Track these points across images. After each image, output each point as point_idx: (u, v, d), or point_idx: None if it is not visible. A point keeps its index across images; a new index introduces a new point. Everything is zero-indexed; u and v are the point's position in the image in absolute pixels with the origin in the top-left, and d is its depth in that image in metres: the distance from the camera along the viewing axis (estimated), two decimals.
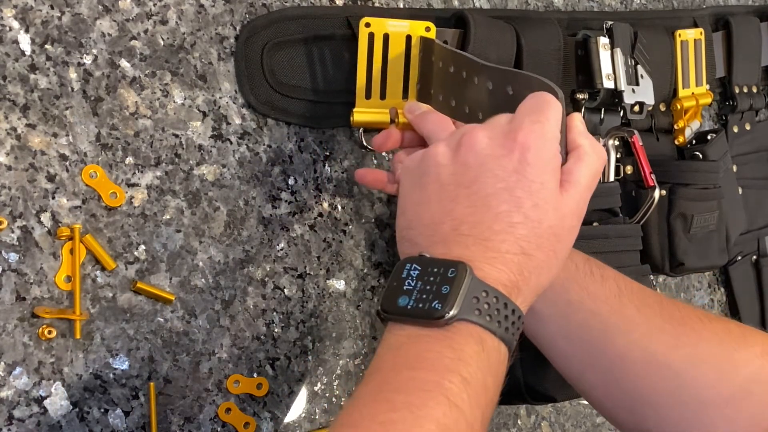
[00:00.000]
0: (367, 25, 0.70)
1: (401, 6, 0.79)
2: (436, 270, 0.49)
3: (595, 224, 0.82)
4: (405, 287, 0.49)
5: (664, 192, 0.89)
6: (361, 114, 0.72)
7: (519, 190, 0.51)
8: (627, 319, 0.62)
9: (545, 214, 0.51)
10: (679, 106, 0.94)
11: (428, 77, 0.70)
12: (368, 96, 0.71)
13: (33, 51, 0.61)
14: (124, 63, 0.65)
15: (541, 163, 0.51)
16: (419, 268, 0.49)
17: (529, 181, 0.51)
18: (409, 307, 0.48)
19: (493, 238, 0.50)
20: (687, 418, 0.59)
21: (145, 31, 0.66)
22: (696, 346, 0.61)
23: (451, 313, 0.47)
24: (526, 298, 0.51)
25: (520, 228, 0.50)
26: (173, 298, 0.66)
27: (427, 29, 0.70)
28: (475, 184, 0.51)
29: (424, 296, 0.48)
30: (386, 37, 0.70)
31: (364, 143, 0.75)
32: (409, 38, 0.70)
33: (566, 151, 0.56)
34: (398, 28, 0.70)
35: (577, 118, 0.57)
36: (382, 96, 0.71)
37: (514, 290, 0.50)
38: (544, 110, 0.53)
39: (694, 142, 0.96)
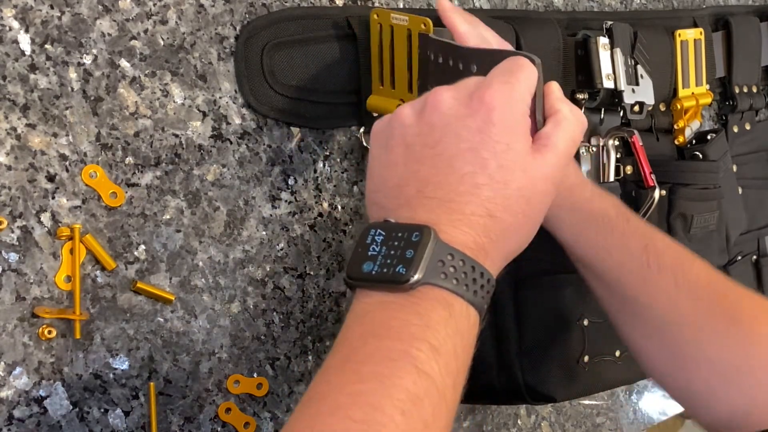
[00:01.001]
0: (377, 15, 0.72)
1: (401, 6, 0.79)
2: (400, 235, 0.47)
3: None
4: (370, 253, 0.48)
5: (664, 192, 0.89)
6: (376, 99, 0.73)
7: (484, 150, 0.49)
8: (680, 314, 0.64)
9: (512, 176, 0.49)
10: (679, 106, 0.94)
11: (426, 72, 0.70)
12: (382, 83, 0.73)
13: (33, 51, 0.61)
14: (124, 63, 0.65)
15: (506, 123, 0.50)
16: (383, 234, 0.48)
17: (494, 141, 0.49)
18: (373, 272, 0.47)
19: (458, 199, 0.49)
20: (739, 413, 0.61)
21: (145, 31, 0.66)
22: (748, 345, 0.62)
23: (416, 277, 0.45)
24: (495, 261, 0.49)
25: (485, 189, 0.49)
26: (173, 298, 0.66)
27: (424, 25, 0.71)
28: (440, 144, 0.50)
29: (389, 261, 0.47)
30: (392, 30, 0.71)
31: (364, 143, 0.75)
32: (410, 33, 0.71)
33: (544, 116, 0.55)
34: (400, 21, 0.71)
35: (555, 85, 0.56)
36: (392, 85, 0.72)
37: (481, 253, 0.48)
38: (515, 72, 0.52)
39: (694, 142, 0.96)
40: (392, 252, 0.47)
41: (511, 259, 0.52)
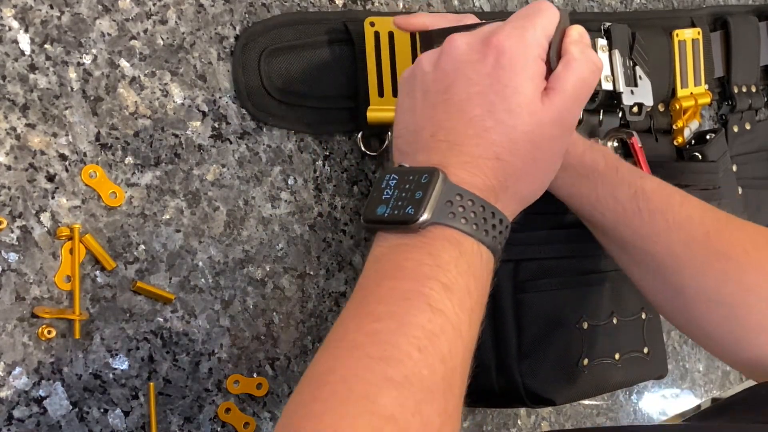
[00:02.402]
0: (372, 24, 0.71)
1: (401, 8, 0.79)
2: (411, 178, 0.49)
3: None
4: (384, 197, 0.49)
5: None
6: (376, 112, 0.72)
7: (492, 94, 0.50)
8: (676, 257, 0.66)
9: (519, 119, 0.50)
10: (677, 107, 0.94)
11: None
12: (381, 94, 0.71)
13: (32, 51, 0.61)
14: (123, 63, 0.65)
15: (515, 67, 0.50)
16: (396, 177, 0.50)
17: (503, 85, 0.50)
18: (386, 215, 0.48)
19: (467, 142, 0.50)
20: (737, 344, 0.64)
21: (145, 31, 0.66)
22: (741, 279, 0.65)
23: (424, 216, 0.46)
24: (507, 204, 0.50)
25: (493, 133, 0.50)
26: (173, 298, 0.66)
27: None
28: (451, 89, 0.51)
29: (400, 203, 0.48)
30: (391, 36, 0.71)
31: (363, 148, 0.75)
32: (414, 36, 0.71)
33: (558, 58, 0.54)
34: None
35: (576, 29, 0.56)
36: (395, 93, 0.72)
37: (491, 194, 0.49)
38: (532, 16, 0.52)
39: (693, 142, 0.96)
40: (404, 195, 0.48)
41: (527, 204, 0.53)
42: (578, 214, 0.73)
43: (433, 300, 0.45)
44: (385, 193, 0.49)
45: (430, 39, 0.65)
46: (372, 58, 0.71)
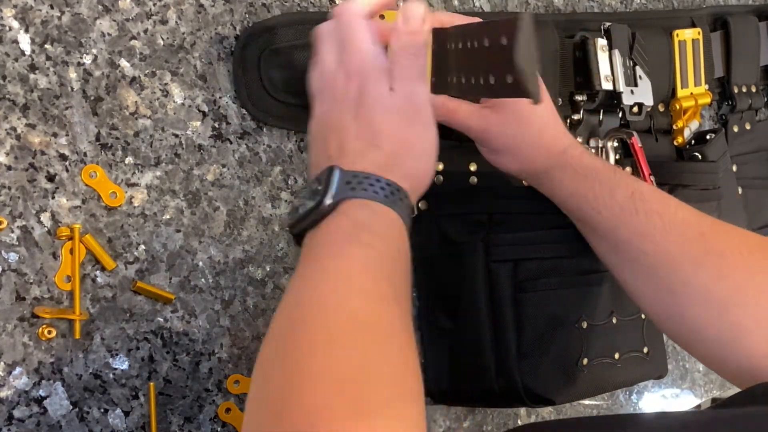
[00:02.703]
0: (381, 17, 0.71)
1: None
2: (315, 181, 0.56)
3: None
4: (297, 204, 0.57)
5: None
6: None
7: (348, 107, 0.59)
8: (671, 256, 0.68)
9: (374, 115, 0.58)
10: (677, 107, 0.94)
11: (444, 65, 0.69)
12: None
13: (33, 51, 0.61)
14: (123, 63, 0.65)
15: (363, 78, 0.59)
16: (305, 188, 0.57)
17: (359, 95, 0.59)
18: (300, 212, 0.55)
19: (350, 145, 0.58)
20: (726, 346, 0.65)
21: (145, 31, 0.66)
22: (735, 278, 0.66)
23: (330, 195, 0.54)
24: (399, 177, 0.57)
25: (353, 132, 0.58)
26: (173, 298, 0.66)
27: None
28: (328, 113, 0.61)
29: (309, 200, 0.55)
30: None
31: None
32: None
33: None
34: None
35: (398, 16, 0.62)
36: None
37: (381, 171, 0.56)
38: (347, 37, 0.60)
39: (693, 142, 0.96)
40: (311, 194, 0.56)
41: (423, 176, 0.60)
42: (574, 216, 0.74)
43: (360, 244, 0.52)
44: (298, 202, 0.57)
45: (445, 37, 0.65)
46: None
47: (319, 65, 0.61)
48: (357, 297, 0.49)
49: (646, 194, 0.70)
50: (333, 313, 0.48)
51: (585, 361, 0.79)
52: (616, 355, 0.81)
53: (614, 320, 0.82)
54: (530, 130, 0.70)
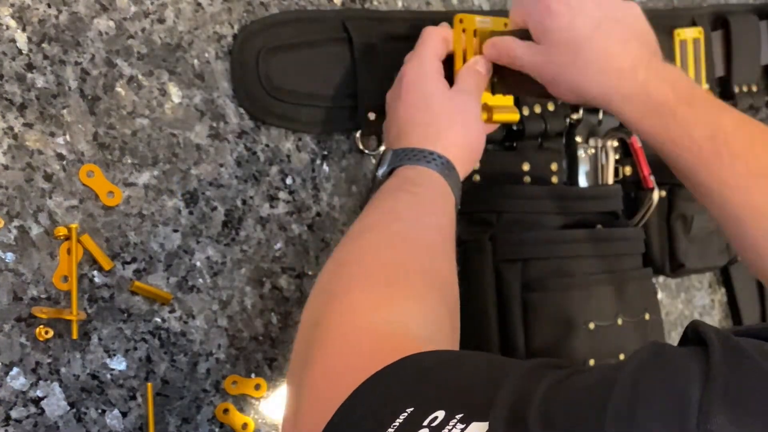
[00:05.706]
0: (461, 21, 0.71)
1: (400, 7, 0.79)
2: (380, 157, 0.69)
3: (598, 227, 0.81)
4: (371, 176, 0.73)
5: (663, 193, 0.88)
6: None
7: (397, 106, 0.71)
8: (755, 209, 0.63)
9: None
10: None
11: (501, 68, 0.71)
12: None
13: (30, 50, 0.61)
14: (121, 62, 0.65)
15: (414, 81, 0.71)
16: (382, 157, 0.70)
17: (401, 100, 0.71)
18: (371, 182, 0.71)
19: (405, 131, 0.69)
20: None
21: (143, 30, 0.66)
22: None
23: (381, 170, 0.67)
24: (445, 147, 0.67)
25: (394, 124, 0.70)
26: (171, 298, 0.66)
27: (505, 25, 0.72)
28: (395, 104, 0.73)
29: (375, 171, 0.70)
30: (475, 34, 0.71)
31: (361, 147, 0.75)
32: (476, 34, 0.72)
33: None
34: (485, 24, 0.72)
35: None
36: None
37: (428, 144, 0.67)
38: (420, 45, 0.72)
39: None
40: (377, 167, 0.69)
41: (468, 147, 0.69)
42: (657, 153, 0.69)
43: (408, 192, 0.64)
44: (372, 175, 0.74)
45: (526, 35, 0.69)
46: (459, 55, 0.72)
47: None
48: (398, 222, 0.60)
49: (730, 132, 0.63)
50: (377, 231, 0.60)
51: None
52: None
53: (620, 321, 0.81)
54: (578, 59, 0.66)
